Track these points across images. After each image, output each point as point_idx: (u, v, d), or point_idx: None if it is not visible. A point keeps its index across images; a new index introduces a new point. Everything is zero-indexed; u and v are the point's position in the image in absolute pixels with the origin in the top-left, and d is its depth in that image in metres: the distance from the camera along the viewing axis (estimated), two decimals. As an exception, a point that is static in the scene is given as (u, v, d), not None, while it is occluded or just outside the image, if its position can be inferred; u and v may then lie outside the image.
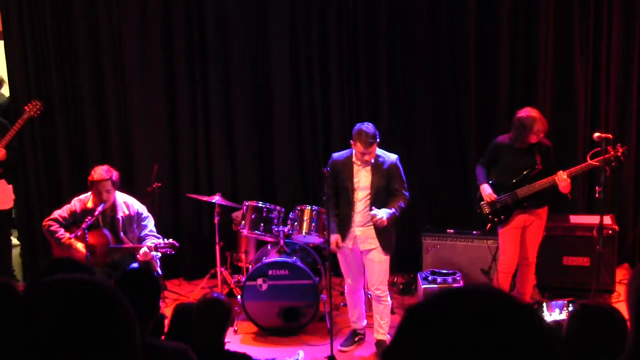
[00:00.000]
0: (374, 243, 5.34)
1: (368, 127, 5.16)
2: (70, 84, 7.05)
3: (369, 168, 5.28)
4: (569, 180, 5.49)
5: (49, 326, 1.37)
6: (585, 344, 2.75)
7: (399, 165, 5.34)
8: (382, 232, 5.30)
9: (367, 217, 5.31)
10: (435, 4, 6.82)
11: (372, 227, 5.31)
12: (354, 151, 5.29)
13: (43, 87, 7.03)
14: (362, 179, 5.30)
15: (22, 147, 7.06)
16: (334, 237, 5.37)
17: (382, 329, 5.46)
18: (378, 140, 5.19)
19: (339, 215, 5.40)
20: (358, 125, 5.22)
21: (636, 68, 6.68)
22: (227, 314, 3.82)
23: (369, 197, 5.30)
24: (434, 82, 6.93)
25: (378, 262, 5.36)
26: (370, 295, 5.81)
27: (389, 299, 5.48)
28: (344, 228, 5.38)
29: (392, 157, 5.35)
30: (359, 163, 5.29)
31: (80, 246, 5.36)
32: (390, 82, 6.96)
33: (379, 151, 5.31)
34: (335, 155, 5.44)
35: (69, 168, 7.12)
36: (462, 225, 6.60)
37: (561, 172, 5.52)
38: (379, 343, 5.50)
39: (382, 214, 5.17)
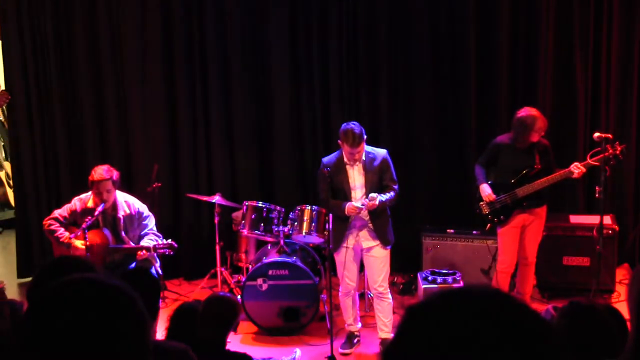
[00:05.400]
0: (375, 240, 5.36)
1: (354, 127, 5.17)
2: (70, 84, 7.05)
3: (360, 166, 5.30)
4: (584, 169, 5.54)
5: (64, 327, 1.35)
6: (572, 341, 2.73)
7: (389, 159, 5.37)
8: (378, 226, 5.32)
9: (366, 213, 5.31)
10: (436, 4, 6.82)
11: (371, 223, 5.32)
12: (342, 151, 5.30)
13: (43, 87, 7.03)
14: (357, 177, 5.32)
15: (19, 146, 7.10)
16: (348, 205, 5.27)
17: (387, 327, 5.45)
18: (365, 137, 5.21)
19: (336, 218, 5.39)
20: (344, 126, 5.23)
21: (636, 68, 6.68)
22: (234, 314, 3.84)
23: (365, 195, 5.30)
24: (434, 82, 6.93)
25: (380, 257, 5.37)
26: (372, 295, 5.80)
27: (390, 296, 5.49)
28: (342, 229, 5.38)
29: (381, 152, 5.38)
30: (350, 163, 5.30)
31: (79, 244, 5.35)
32: (391, 82, 6.97)
33: (368, 147, 5.32)
34: (325, 159, 5.44)
35: (69, 168, 7.12)
36: (462, 225, 6.59)
37: (577, 163, 5.55)
38: (383, 342, 5.48)
39: (378, 198, 5.16)
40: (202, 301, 3.99)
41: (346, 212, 5.28)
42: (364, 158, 5.29)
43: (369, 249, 5.39)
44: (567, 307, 2.85)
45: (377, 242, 5.37)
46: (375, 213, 5.31)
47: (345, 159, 5.31)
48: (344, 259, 5.45)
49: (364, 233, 5.37)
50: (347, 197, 5.33)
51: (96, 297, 1.40)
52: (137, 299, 1.43)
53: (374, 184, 5.30)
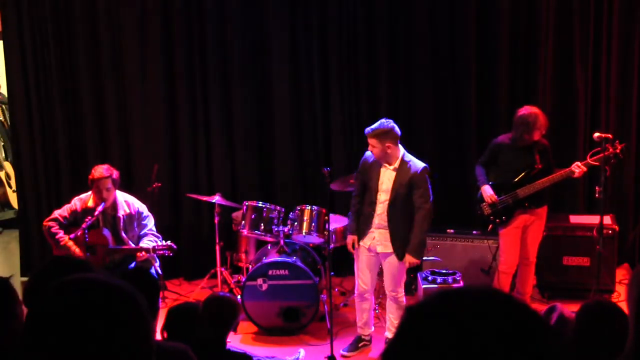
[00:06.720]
0: (390, 247, 5.25)
1: (382, 120, 5.09)
2: (71, 83, 7.05)
3: (393, 172, 5.17)
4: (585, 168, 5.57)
5: (67, 328, 1.34)
6: (593, 341, 2.74)
7: (426, 176, 5.19)
8: (394, 234, 5.20)
9: (385, 219, 5.22)
10: (436, 3, 6.82)
11: (389, 231, 5.23)
12: None
13: (43, 87, 7.03)
14: (386, 181, 5.20)
15: (19, 146, 7.11)
16: (351, 238, 5.35)
17: (395, 328, 5.39)
18: (383, 135, 5.04)
19: (362, 214, 5.33)
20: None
21: (636, 68, 6.68)
22: (234, 314, 3.84)
23: (388, 201, 5.20)
24: (434, 82, 6.93)
25: (394, 265, 5.26)
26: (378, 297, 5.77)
27: (404, 299, 5.41)
28: (365, 227, 5.30)
29: (419, 165, 5.16)
30: (386, 165, 5.18)
31: (77, 251, 5.40)
32: (390, 82, 6.97)
33: (408, 156, 5.17)
34: (368, 153, 5.29)
35: (69, 168, 7.13)
36: (462, 225, 6.59)
37: (578, 162, 5.57)
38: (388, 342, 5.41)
39: (411, 257, 5.17)
40: (202, 301, 3.99)
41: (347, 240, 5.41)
42: (396, 165, 5.14)
43: (385, 255, 5.28)
44: (590, 306, 2.86)
45: (392, 250, 5.23)
46: (394, 222, 5.20)
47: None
48: (361, 259, 5.37)
49: (380, 237, 5.25)
50: (373, 198, 5.22)
51: (100, 297, 1.38)
52: (141, 298, 1.42)
53: (400, 195, 5.13)
